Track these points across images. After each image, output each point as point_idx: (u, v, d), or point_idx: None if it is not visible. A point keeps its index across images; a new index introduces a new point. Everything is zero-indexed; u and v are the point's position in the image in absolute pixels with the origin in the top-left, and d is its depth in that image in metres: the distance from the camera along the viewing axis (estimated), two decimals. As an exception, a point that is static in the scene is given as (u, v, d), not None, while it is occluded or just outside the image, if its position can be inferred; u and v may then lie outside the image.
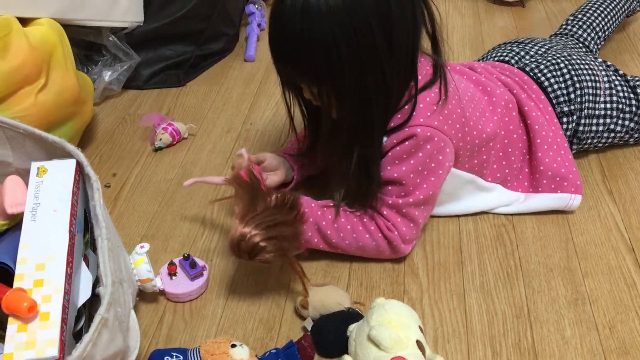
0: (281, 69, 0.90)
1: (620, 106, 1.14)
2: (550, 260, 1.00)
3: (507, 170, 1.08)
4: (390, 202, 0.95)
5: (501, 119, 1.05)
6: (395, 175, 0.94)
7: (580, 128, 1.13)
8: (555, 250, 1.02)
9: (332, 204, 0.99)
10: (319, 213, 0.96)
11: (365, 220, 0.96)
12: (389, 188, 0.96)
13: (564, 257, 1.01)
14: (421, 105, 0.92)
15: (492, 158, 1.06)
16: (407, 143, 0.92)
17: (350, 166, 0.95)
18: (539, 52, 1.20)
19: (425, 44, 0.93)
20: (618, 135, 1.17)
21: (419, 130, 0.91)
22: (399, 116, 0.92)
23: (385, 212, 0.96)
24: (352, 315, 0.87)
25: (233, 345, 0.82)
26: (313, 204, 0.97)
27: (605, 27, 1.42)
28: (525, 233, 1.06)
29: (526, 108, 1.08)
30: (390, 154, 0.94)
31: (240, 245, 0.85)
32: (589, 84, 1.12)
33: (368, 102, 0.88)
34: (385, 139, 0.93)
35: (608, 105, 1.14)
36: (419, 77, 0.93)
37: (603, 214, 1.09)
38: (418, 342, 0.80)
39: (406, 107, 0.92)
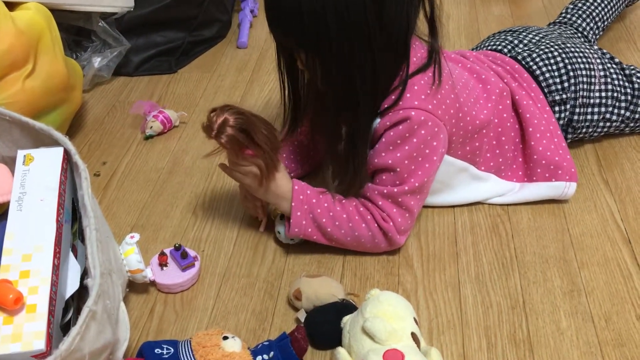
0: (274, 32, 0.90)
1: (615, 94, 1.13)
2: (546, 251, 0.99)
3: (500, 160, 1.07)
4: (385, 191, 0.94)
5: (495, 107, 1.03)
6: (390, 161, 0.92)
7: (575, 117, 1.12)
8: (551, 241, 1.01)
9: (327, 191, 0.97)
10: (314, 201, 0.94)
11: (361, 209, 0.95)
12: (383, 177, 0.94)
13: (560, 248, 1.00)
14: (416, 87, 0.90)
15: (484, 146, 1.04)
16: (400, 127, 0.90)
17: (336, 144, 0.95)
18: (533, 40, 1.18)
19: (421, 27, 0.92)
20: (614, 124, 1.16)
21: (413, 113, 0.89)
22: (392, 97, 0.91)
23: (380, 202, 0.94)
24: (346, 307, 0.86)
25: (225, 338, 0.80)
26: (309, 190, 0.95)
27: (605, 17, 1.40)
28: (520, 223, 1.05)
29: (517, 97, 1.06)
30: (384, 139, 0.92)
31: (211, 121, 0.86)
32: (583, 72, 1.11)
33: (354, 76, 0.87)
34: (378, 120, 0.92)
35: (603, 94, 1.13)
36: (414, 59, 0.91)
37: (599, 205, 1.08)
38: (413, 334, 0.79)
39: (400, 88, 0.91)
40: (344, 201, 0.96)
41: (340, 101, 0.91)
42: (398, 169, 0.92)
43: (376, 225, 0.94)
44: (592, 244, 1.00)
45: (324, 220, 0.94)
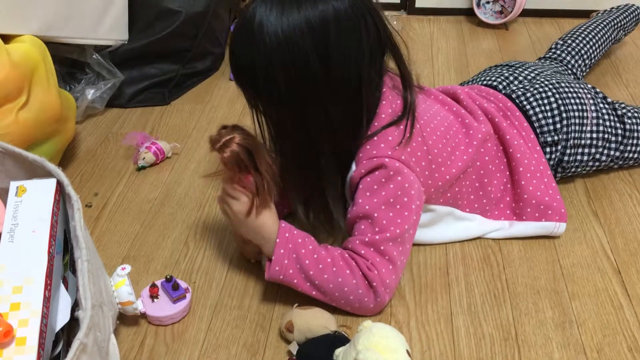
0: (238, 86, 0.93)
1: (606, 136, 1.14)
2: (537, 282, 1.00)
3: (484, 200, 1.07)
4: (366, 239, 0.91)
5: (476, 152, 1.03)
6: (367, 207, 0.91)
7: (565, 158, 1.12)
8: (542, 272, 1.01)
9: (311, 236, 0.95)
10: (299, 240, 0.91)
11: (346, 256, 0.91)
12: (362, 227, 0.92)
13: (551, 279, 1.00)
14: (390, 138, 0.92)
15: (466, 189, 1.05)
16: (377, 173, 0.91)
17: (306, 190, 0.98)
18: (528, 77, 1.19)
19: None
20: (603, 163, 1.17)
21: (387, 160, 0.90)
22: (367, 146, 0.93)
23: (363, 251, 0.90)
24: (338, 339, 0.86)
25: (216, 371, 0.80)
26: (295, 231, 0.92)
27: (593, 55, 1.43)
28: (512, 255, 1.05)
29: (508, 137, 1.07)
30: (361, 186, 0.92)
31: (220, 135, 0.85)
32: (576, 113, 1.12)
33: (309, 129, 0.90)
34: (353, 169, 0.94)
35: (594, 135, 1.13)
36: (389, 111, 0.93)
37: (589, 236, 1.09)
38: (405, 367, 0.79)
39: (374, 138, 0.92)
40: (329, 247, 0.93)
41: (300, 153, 0.94)
42: (375, 215, 0.90)
43: (361, 273, 0.89)
44: (583, 275, 1.01)
45: (307, 261, 0.89)
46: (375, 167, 0.91)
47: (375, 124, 0.93)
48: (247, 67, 0.88)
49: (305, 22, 0.83)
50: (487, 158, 1.06)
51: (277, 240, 0.90)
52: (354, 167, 0.94)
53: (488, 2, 1.88)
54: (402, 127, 0.93)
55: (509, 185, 1.08)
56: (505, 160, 1.08)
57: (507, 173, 1.08)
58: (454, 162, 1.00)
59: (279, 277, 0.91)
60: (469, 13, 1.95)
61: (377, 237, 0.90)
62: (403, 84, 0.94)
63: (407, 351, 0.81)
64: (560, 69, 1.34)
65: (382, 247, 0.90)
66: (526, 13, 1.90)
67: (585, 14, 1.81)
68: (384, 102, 0.93)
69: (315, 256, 0.90)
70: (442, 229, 1.06)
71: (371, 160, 0.91)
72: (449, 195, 1.02)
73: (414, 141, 0.94)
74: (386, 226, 0.90)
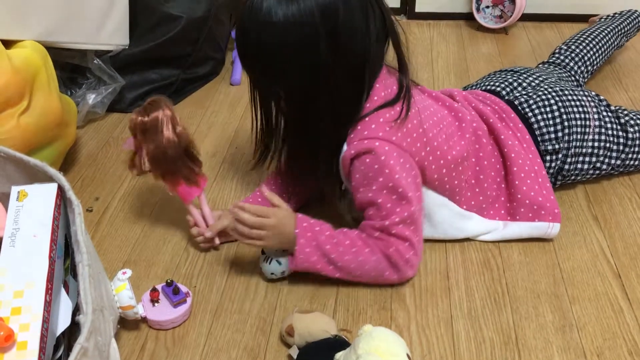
0: (243, 67, 0.96)
1: (607, 145, 1.14)
2: (537, 286, 1.00)
3: (481, 198, 1.08)
4: (377, 225, 0.95)
5: (469, 144, 1.05)
6: (370, 195, 0.94)
7: (566, 166, 1.12)
8: (542, 276, 1.02)
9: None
10: (317, 228, 0.95)
11: (363, 236, 0.95)
12: (370, 212, 0.95)
13: (551, 283, 1.00)
14: (381, 120, 0.93)
15: (464, 184, 1.05)
16: (368, 160, 0.92)
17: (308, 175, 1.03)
18: (532, 84, 1.19)
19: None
20: (604, 171, 1.17)
21: (377, 143, 0.92)
22: (359, 127, 0.94)
23: (376, 234, 0.95)
24: (338, 343, 0.86)
25: (217, 375, 0.80)
26: (312, 220, 0.96)
27: (596, 62, 1.43)
28: (511, 258, 1.05)
29: (502, 137, 1.08)
30: (357, 175, 0.94)
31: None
32: (579, 122, 1.12)
33: (314, 108, 0.92)
34: (345, 148, 0.95)
35: (596, 144, 1.13)
36: (382, 94, 0.95)
37: (589, 240, 1.09)
38: (406, 371, 0.79)
39: (366, 118, 0.94)
40: (345, 230, 0.97)
41: (303, 131, 0.96)
42: (380, 201, 0.93)
43: (379, 249, 0.94)
44: (583, 279, 1.01)
45: (327, 246, 0.94)
46: (365, 149, 0.92)
47: (368, 105, 0.94)
48: (255, 54, 0.90)
49: (316, 4, 0.84)
50: (482, 154, 1.07)
51: (297, 230, 0.93)
52: (345, 147, 0.95)
53: (488, 7, 1.89)
54: (397, 108, 0.94)
55: (503, 185, 1.09)
56: (501, 159, 1.08)
57: (502, 173, 1.09)
58: (450, 149, 1.01)
59: (303, 266, 0.94)
60: (468, 17, 1.96)
61: (386, 222, 0.94)
62: (400, 67, 0.96)
63: (408, 355, 0.81)
64: (563, 75, 1.34)
65: (393, 231, 0.94)
66: (526, 17, 1.90)
67: (584, 18, 1.82)
68: (377, 86, 0.95)
69: (335, 240, 0.94)
70: (440, 226, 1.06)
71: (362, 141, 0.93)
72: (447, 187, 1.03)
73: (410, 123, 0.95)
74: (392, 210, 0.93)
